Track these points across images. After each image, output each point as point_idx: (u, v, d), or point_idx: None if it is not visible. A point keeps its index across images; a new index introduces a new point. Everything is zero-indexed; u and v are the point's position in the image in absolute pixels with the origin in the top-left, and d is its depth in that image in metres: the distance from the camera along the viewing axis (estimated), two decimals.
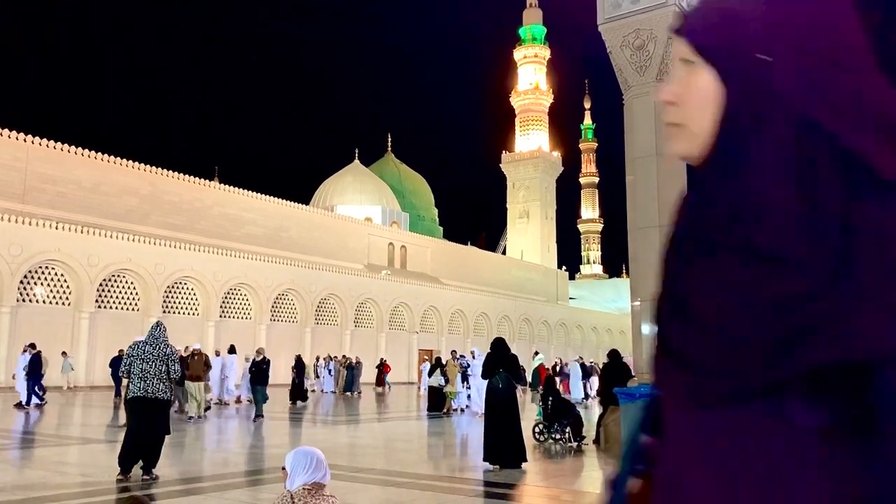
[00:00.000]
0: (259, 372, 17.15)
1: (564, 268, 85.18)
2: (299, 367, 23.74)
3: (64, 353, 27.43)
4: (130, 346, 8.48)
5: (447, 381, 20.41)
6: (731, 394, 0.63)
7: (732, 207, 0.69)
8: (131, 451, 8.06)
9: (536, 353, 20.47)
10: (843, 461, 0.51)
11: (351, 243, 52.53)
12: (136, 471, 8.08)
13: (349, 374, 30.89)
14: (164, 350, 8.48)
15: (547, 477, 9.39)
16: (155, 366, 8.30)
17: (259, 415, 16.40)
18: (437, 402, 20.23)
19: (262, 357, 17.43)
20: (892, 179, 0.63)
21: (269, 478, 8.50)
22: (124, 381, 20.73)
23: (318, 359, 34.01)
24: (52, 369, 26.60)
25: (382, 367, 35.18)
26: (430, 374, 21.52)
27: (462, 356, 25.85)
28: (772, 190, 0.65)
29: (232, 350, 23.32)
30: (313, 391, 31.54)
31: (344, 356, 34.80)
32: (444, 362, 21.45)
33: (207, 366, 17.22)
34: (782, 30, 0.73)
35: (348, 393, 30.08)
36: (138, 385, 8.18)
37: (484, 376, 10.20)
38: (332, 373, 31.81)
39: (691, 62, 0.77)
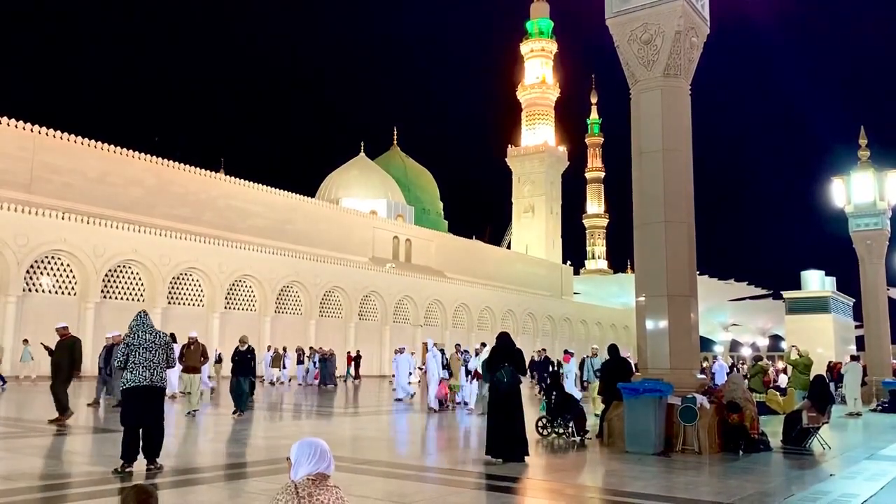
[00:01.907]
0: (243, 362, 16.10)
1: (569, 263, 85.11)
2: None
3: (25, 341, 27.15)
4: (130, 336, 8.35)
5: (451, 375, 20.43)
6: None
7: None
8: (135, 441, 8.08)
9: (484, 345, 20.15)
10: None
11: (356, 236, 52.56)
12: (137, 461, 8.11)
13: (323, 366, 30.47)
14: (164, 338, 8.57)
15: (550, 471, 9.40)
16: (158, 354, 8.36)
17: (240, 409, 15.38)
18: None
19: (246, 346, 16.40)
20: None
21: (270, 469, 8.53)
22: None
23: (284, 349, 33.61)
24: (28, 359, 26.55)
25: (357, 360, 35.07)
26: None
27: (465, 350, 25.84)
28: None
29: (172, 339, 21.85)
30: (282, 383, 31.05)
31: (311, 347, 34.58)
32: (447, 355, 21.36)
33: (205, 356, 15.91)
34: None
35: (322, 385, 29.52)
36: (143, 374, 8.17)
37: (489, 370, 10.20)
38: (316, 364, 31.56)
39: None
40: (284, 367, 32.10)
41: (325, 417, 17.45)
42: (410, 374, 23.18)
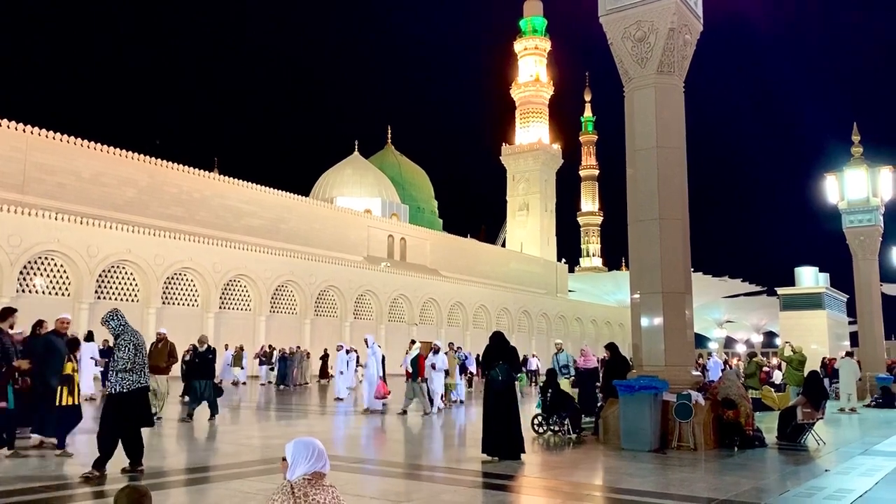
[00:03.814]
0: (203, 363, 14.98)
1: (564, 260, 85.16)
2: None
3: None
4: (134, 336, 8.15)
5: (447, 373, 20.41)
6: None
7: None
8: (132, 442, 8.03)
9: (413, 343, 18.62)
10: None
11: (350, 235, 52.50)
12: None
13: (282, 365, 29.58)
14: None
15: (546, 468, 9.41)
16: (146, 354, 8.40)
17: (213, 413, 14.54)
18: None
19: (206, 346, 15.29)
20: None
21: (261, 469, 8.52)
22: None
23: (241, 348, 32.37)
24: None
25: (324, 359, 34.32)
26: None
27: (459, 348, 25.85)
28: None
29: (89, 337, 19.46)
30: (243, 383, 30.19)
31: (270, 346, 33.91)
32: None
33: (172, 356, 14.06)
34: None
35: (279, 386, 28.78)
36: (147, 375, 8.21)
37: (483, 368, 10.22)
38: (296, 364, 31.14)
39: None
40: (243, 367, 31.29)
41: (322, 417, 17.42)
42: (342, 372, 22.88)
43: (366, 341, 18.74)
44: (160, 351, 13.78)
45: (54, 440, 9.54)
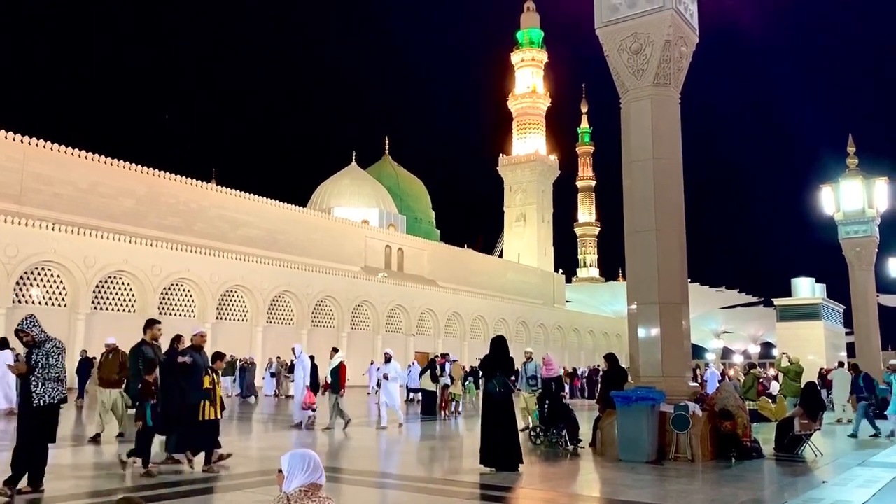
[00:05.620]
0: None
1: (561, 271, 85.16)
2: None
3: None
4: (58, 342, 7.66)
5: (452, 382, 20.44)
6: None
7: None
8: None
9: (335, 351, 16.87)
10: None
11: (348, 246, 52.48)
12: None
13: (242, 376, 29.03)
14: None
15: (543, 480, 9.39)
16: None
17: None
18: (429, 404, 20.17)
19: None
20: None
21: (256, 481, 8.48)
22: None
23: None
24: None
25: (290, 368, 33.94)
26: (420, 375, 21.46)
27: (455, 359, 25.79)
28: None
29: (3, 345, 17.36)
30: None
31: (231, 355, 33.04)
32: (436, 364, 20.97)
33: (125, 367, 11.95)
34: None
35: (243, 397, 28.22)
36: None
37: (482, 377, 10.19)
38: (274, 374, 30.54)
39: None
40: None
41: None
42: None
43: (293, 350, 17.56)
44: (111, 362, 12.60)
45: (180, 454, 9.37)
